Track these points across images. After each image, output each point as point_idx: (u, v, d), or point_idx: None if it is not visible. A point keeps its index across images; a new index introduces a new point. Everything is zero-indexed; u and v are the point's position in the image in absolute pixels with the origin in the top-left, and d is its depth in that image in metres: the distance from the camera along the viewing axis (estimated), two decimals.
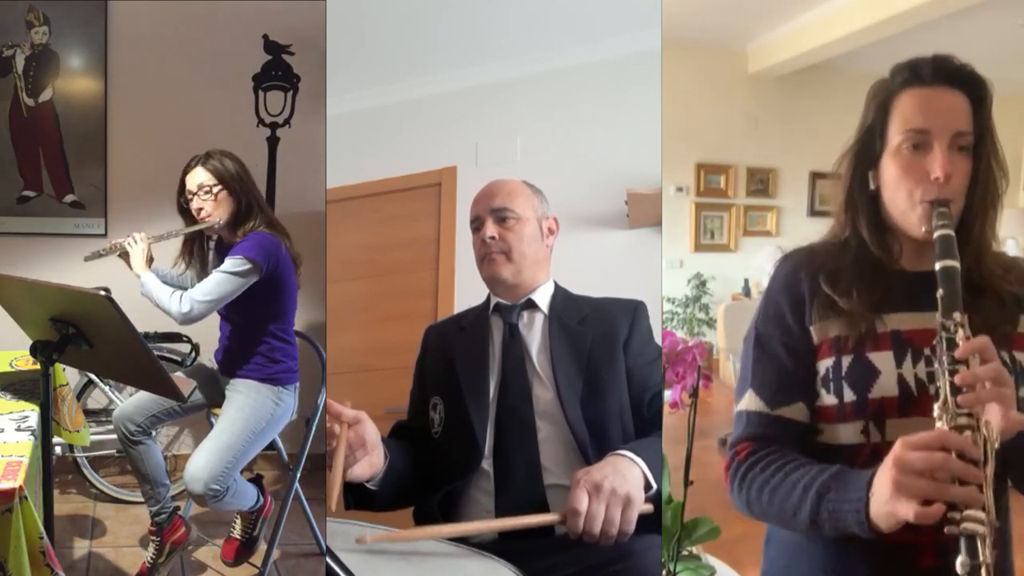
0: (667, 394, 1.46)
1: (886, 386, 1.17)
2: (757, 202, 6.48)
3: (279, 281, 2.24)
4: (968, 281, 1.15)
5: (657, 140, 2.73)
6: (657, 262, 3.27)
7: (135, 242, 2.22)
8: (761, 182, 6.48)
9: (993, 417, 1.01)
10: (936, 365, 1.08)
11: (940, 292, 1.10)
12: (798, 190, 6.63)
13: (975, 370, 1.02)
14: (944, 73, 1.19)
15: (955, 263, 1.11)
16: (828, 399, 1.21)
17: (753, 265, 6.18)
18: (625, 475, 1.32)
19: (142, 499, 2.39)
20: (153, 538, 2.36)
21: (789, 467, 1.15)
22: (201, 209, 2.22)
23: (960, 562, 0.96)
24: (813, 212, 6.68)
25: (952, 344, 1.06)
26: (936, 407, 1.04)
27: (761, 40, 6.02)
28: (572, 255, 2.28)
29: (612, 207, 2.81)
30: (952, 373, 1.04)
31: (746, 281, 6.22)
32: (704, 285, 6.02)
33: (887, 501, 0.99)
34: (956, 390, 1.03)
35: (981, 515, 0.96)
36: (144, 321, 1.95)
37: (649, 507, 1.33)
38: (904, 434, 1.09)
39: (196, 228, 2.26)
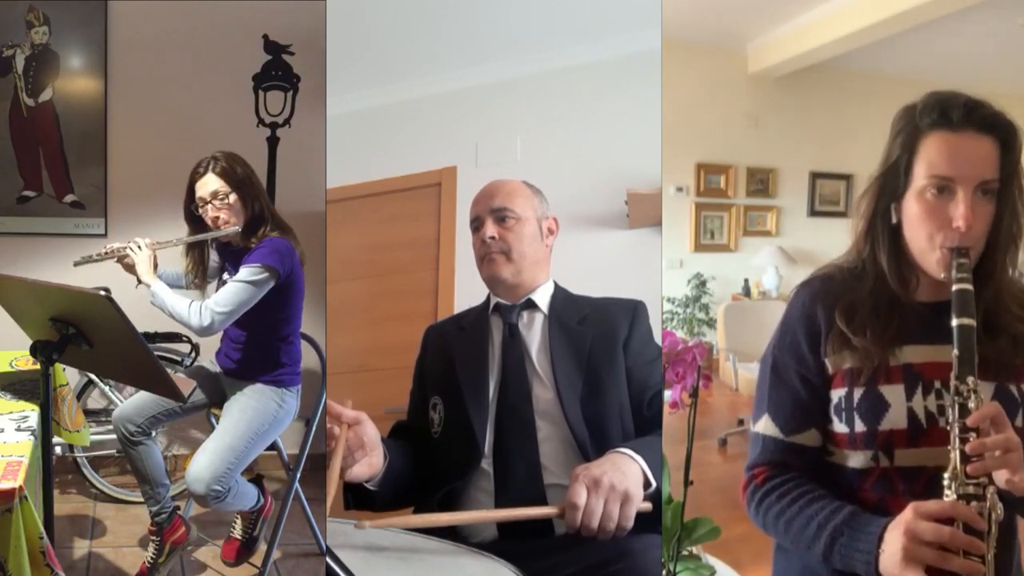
0: (667, 394, 1.46)
1: (895, 418, 1.21)
2: (757, 202, 6.48)
3: (292, 286, 2.23)
4: (985, 318, 1.18)
5: (657, 140, 2.73)
6: (657, 262, 3.27)
7: (138, 248, 2.16)
8: (761, 182, 6.47)
9: (1001, 477, 1.06)
10: (947, 399, 1.13)
11: (956, 352, 1.12)
12: (798, 190, 6.63)
13: (984, 441, 1.06)
14: (974, 119, 1.18)
15: (972, 321, 1.13)
16: (840, 427, 1.25)
17: (753, 265, 6.18)
18: (624, 471, 1.32)
19: (142, 499, 2.39)
20: (153, 538, 2.36)
21: (804, 500, 1.20)
22: (218, 217, 2.19)
23: None
24: (813, 212, 6.68)
25: (964, 411, 1.09)
26: (946, 476, 1.09)
27: (761, 40, 6.01)
28: (572, 255, 2.28)
29: (612, 207, 2.81)
30: (963, 441, 1.08)
31: (746, 281, 6.22)
32: (704, 285, 6.02)
33: (897, 564, 1.05)
34: (966, 459, 1.07)
35: None
36: (144, 321, 1.95)
37: (648, 505, 1.33)
38: (913, 462, 1.18)
39: (217, 235, 2.22)
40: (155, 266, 2.18)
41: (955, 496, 1.07)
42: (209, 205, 2.19)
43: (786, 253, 6.02)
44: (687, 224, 6.22)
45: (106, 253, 2.19)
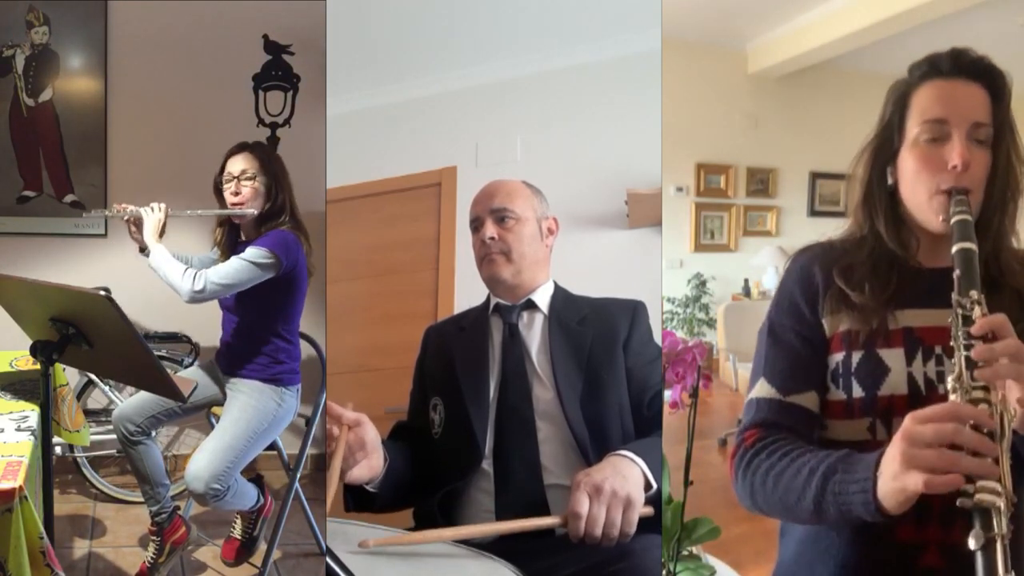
0: (667, 394, 1.46)
1: (896, 383, 1.16)
2: (757, 202, 6.49)
3: (294, 282, 2.25)
4: (986, 275, 1.13)
5: (657, 140, 2.73)
6: (657, 262, 3.26)
7: (153, 211, 2.17)
8: (761, 182, 6.48)
9: (1012, 395, 0.97)
10: (949, 362, 1.05)
11: (957, 272, 1.08)
12: (798, 190, 6.63)
13: (993, 345, 0.99)
14: (962, 65, 1.18)
15: (973, 246, 1.09)
16: (837, 394, 1.19)
17: (753, 265, 6.18)
18: (625, 476, 1.32)
19: (142, 499, 2.40)
20: (153, 538, 2.36)
21: (796, 452, 1.12)
22: (239, 194, 2.22)
23: (973, 535, 0.90)
24: (813, 212, 6.68)
25: (968, 320, 1.03)
26: (950, 380, 1.01)
27: (761, 40, 6.02)
28: (572, 255, 2.28)
29: (612, 207, 2.80)
30: (968, 348, 1.01)
31: (746, 281, 6.22)
32: (704, 285, 6.02)
33: (895, 476, 0.94)
34: (972, 365, 1.00)
35: (996, 486, 0.91)
36: (144, 321, 1.95)
37: (649, 510, 1.33)
38: None
39: (232, 213, 2.25)
40: (162, 232, 2.18)
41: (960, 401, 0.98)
42: (234, 181, 2.22)
43: (786, 253, 5.96)
44: (687, 224, 6.22)
45: (121, 210, 2.20)
